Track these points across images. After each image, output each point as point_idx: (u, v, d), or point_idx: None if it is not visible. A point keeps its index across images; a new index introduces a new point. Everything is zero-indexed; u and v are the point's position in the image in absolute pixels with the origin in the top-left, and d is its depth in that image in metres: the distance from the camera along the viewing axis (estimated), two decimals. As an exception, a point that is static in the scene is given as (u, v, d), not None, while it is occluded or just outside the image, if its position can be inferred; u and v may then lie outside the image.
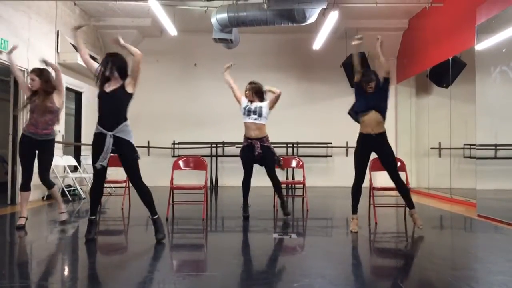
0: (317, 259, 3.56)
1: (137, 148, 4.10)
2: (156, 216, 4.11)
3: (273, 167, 5.47)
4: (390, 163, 4.59)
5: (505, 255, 3.82)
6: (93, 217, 4.12)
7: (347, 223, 5.44)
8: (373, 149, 4.61)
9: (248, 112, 5.37)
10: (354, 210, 4.75)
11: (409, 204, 4.72)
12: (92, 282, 2.94)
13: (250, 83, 5.53)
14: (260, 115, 5.36)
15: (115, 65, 3.96)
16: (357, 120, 4.77)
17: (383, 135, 4.57)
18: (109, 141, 3.87)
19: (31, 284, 2.89)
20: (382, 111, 4.56)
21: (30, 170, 4.85)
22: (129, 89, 4.01)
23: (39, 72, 4.85)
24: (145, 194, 4.06)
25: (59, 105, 4.89)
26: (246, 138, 5.43)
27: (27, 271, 3.30)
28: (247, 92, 5.48)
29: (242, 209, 5.55)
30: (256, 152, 5.29)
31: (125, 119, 4.02)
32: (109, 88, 3.99)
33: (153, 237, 4.03)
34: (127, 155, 3.99)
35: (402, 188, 4.70)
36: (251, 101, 5.43)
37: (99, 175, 4.01)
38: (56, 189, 5.14)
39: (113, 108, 3.97)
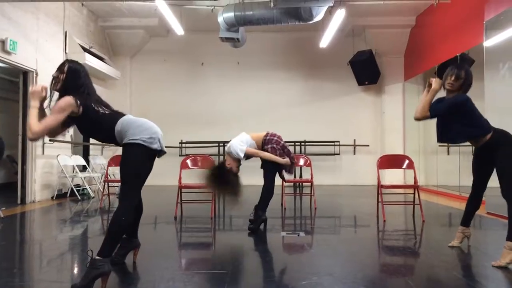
0: (325, 257, 3.56)
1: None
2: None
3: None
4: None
5: (515, 252, 3.78)
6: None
7: (355, 221, 5.43)
8: (488, 156, 3.51)
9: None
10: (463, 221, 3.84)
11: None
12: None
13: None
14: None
15: None
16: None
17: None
18: None
19: (42, 283, 2.92)
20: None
21: None
22: None
23: None
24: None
25: None
26: None
27: (37, 270, 3.34)
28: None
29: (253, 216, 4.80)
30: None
31: None
32: None
33: (161, 236, 4.04)
34: None
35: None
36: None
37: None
38: None
39: None
